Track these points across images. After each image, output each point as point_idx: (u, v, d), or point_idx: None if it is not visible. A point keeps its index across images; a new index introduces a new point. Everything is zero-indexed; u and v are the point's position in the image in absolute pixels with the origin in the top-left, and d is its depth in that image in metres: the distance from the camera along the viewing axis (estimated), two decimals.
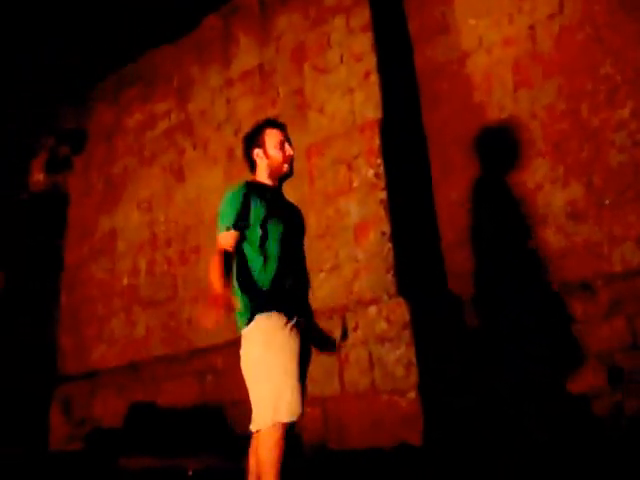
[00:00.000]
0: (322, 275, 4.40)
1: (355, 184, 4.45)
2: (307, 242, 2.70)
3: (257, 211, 2.36)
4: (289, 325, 2.27)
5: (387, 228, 4.23)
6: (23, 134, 8.38)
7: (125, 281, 6.85)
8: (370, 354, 3.95)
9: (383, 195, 4.31)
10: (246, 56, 6.09)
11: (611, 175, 3.91)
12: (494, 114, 4.50)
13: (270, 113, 5.62)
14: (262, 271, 2.34)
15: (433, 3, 4.96)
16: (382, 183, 4.33)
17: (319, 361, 3.99)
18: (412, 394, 3.72)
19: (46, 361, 7.39)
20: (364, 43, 4.69)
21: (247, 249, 2.36)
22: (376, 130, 4.44)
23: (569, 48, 4.24)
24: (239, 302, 2.34)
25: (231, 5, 6.49)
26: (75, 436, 6.46)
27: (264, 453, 2.15)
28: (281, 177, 2.57)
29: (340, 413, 3.98)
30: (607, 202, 3.90)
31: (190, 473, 4.32)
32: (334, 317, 4.13)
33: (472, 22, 4.71)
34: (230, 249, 2.32)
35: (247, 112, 5.94)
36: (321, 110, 4.83)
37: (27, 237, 7.94)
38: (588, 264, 3.89)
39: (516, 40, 4.48)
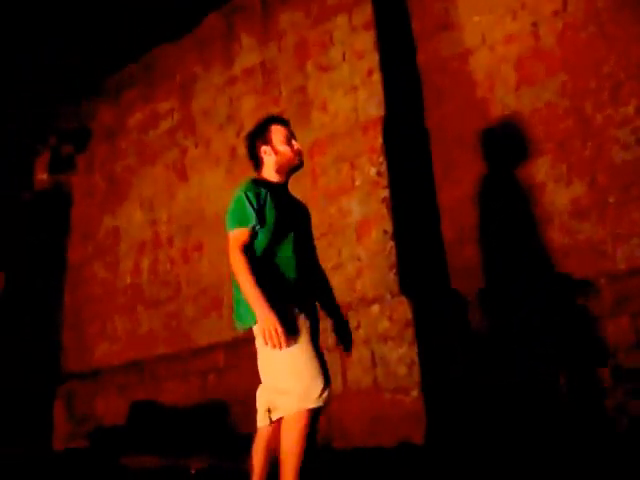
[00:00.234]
0: None
1: (357, 182, 4.44)
2: None
3: (268, 208, 2.36)
4: (301, 315, 2.28)
5: (389, 226, 4.21)
6: (26, 134, 8.39)
7: (128, 280, 6.86)
8: (373, 353, 3.95)
9: (385, 193, 4.30)
10: (248, 54, 6.08)
11: (615, 173, 3.89)
12: (497, 111, 4.48)
13: (273, 111, 5.58)
14: (273, 268, 2.33)
15: (436, 0, 4.94)
16: (384, 181, 4.32)
17: None
18: (415, 392, 3.71)
19: (49, 360, 7.40)
20: (366, 41, 4.67)
21: (257, 246, 2.34)
22: (379, 128, 4.43)
23: (573, 45, 4.21)
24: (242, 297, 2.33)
25: (233, 3, 6.48)
26: (78, 434, 6.47)
27: (289, 440, 2.16)
28: (291, 171, 2.56)
29: (343, 411, 3.97)
30: (611, 200, 3.88)
31: (193, 472, 4.32)
32: None
33: (475, 19, 4.69)
34: (246, 250, 2.29)
35: (249, 111, 5.93)
36: (324, 108, 4.81)
37: (30, 236, 7.95)
38: (592, 262, 3.87)
39: (519, 37, 4.46)
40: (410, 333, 3.83)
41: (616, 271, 3.74)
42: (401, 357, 3.81)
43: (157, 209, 6.74)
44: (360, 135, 4.51)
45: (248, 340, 5.38)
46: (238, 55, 6.21)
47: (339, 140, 4.60)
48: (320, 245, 4.49)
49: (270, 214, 2.35)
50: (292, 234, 2.41)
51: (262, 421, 2.32)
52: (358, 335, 3.99)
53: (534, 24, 4.41)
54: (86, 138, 8.00)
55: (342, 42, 4.81)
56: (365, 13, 4.73)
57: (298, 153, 2.55)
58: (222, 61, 6.38)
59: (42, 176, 8.28)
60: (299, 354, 2.21)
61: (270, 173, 2.55)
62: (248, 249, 2.30)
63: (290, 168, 2.55)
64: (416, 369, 3.75)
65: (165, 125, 6.93)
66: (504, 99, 4.46)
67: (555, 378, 3.74)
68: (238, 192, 2.42)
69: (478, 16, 4.70)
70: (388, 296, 4.03)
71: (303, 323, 2.27)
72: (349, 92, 4.68)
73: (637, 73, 3.91)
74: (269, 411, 2.26)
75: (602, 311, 3.65)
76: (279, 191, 2.50)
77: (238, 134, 5.97)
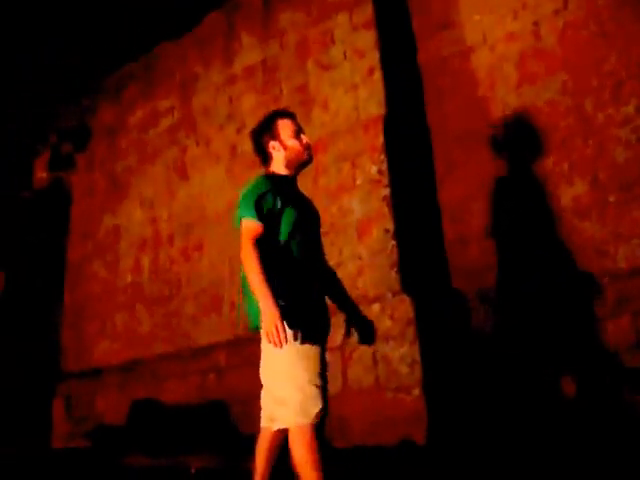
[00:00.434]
0: None
1: (359, 181, 4.44)
2: None
3: (279, 204, 2.30)
4: (312, 320, 2.22)
5: (391, 225, 4.21)
6: (26, 132, 8.38)
7: (128, 278, 6.84)
8: (374, 352, 3.94)
9: (386, 192, 4.30)
10: (249, 53, 6.06)
11: (616, 172, 3.88)
12: (498, 110, 4.48)
13: (273, 109, 5.60)
14: (284, 265, 2.27)
15: None
16: (385, 180, 4.32)
17: None
18: (416, 391, 3.71)
19: (49, 359, 7.39)
20: (367, 39, 4.67)
21: (268, 243, 2.26)
22: (380, 127, 4.42)
23: (574, 44, 4.21)
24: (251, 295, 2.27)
25: (233, 2, 6.47)
26: (77, 433, 6.46)
27: (300, 454, 2.12)
28: (300, 166, 2.51)
29: (344, 410, 3.97)
30: (612, 199, 3.88)
31: (193, 471, 4.32)
32: (337, 314, 4.11)
33: (476, 18, 4.69)
34: (258, 242, 2.22)
35: (250, 109, 5.92)
36: (325, 106, 4.81)
37: (30, 235, 7.95)
38: (593, 261, 3.86)
39: (520, 36, 4.46)
40: (411, 332, 3.82)
41: (617, 270, 3.73)
42: (402, 356, 3.81)
43: (157, 207, 6.73)
44: (361, 134, 4.51)
45: (249, 340, 5.40)
46: (239, 53, 6.20)
47: (340, 139, 4.59)
48: None
49: (282, 208, 2.30)
50: (303, 229, 2.35)
51: (265, 422, 2.30)
52: None
53: (535, 23, 4.41)
54: (86, 136, 7.99)
55: (343, 41, 4.81)
56: (366, 12, 4.72)
57: (307, 147, 2.51)
58: (222, 59, 6.37)
59: (42, 174, 8.27)
60: (303, 368, 2.14)
61: (279, 168, 2.49)
62: (260, 243, 2.22)
63: (299, 163, 2.50)
64: (417, 368, 3.74)
65: (165, 123, 6.92)
66: (505, 98, 4.46)
67: (556, 377, 3.74)
68: (250, 185, 2.37)
69: (479, 15, 4.70)
70: (389, 295, 4.02)
71: (313, 331, 2.20)
72: (350, 90, 4.67)
73: (638, 72, 3.91)
74: (272, 419, 2.24)
75: (604, 310, 3.64)
76: (290, 185, 2.46)
77: (238, 132, 5.96)
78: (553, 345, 3.79)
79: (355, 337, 2.56)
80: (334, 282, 2.61)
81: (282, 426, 2.18)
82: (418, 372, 3.74)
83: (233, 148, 6.02)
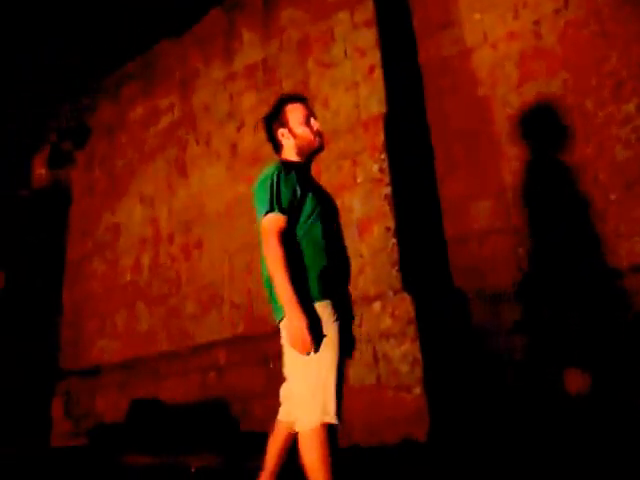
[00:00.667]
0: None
1: (359, 179, 4.44)
2: None
3: (298, 192, 2.17)
4: (336, 316, 2.06)
5: (391, 223, 4.21)
6: (25, 131, 8.36)
7: (128, 276, 6.84)
8: (375, 350, 3.94)
9: (387, 190, 4.30)
10: (249, 51, 6.06)
11: (616, 171, 3.89)
12: (499, 109, 4.48)
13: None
14: (307, 256, 2.12)
15: None
16: (386, 178, 4.32)
17: None
18: (417, 390, 3.71)
19: (48, 357, 7.38)
20: (368, 38, 4.67)
21: (289, 233, 2.12)
22: (380, 125, 4.42)
23: (574, 43, 4.21)
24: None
25: (234, 0, 6.46)
26: (77, 432, 6.46)
27: (312, 458, 2.00)
28: (312, 153, 2.38)
29: (345, 409, 3.94)
30: (612, 198, 3.88)
31: (193, 470, 4.31)
32: None
33: (477, 16, 4.69)
34: (283, 235, 2.08)
35: (250, 107, 5.92)
36: (325, 105, 4.81)
37: (29, 234, 7.93)
38: (594, 260, 3.87)
39: (521, 35, 4.46)
40: (412, 330, 3.82)
41: (619, 268, 3.74)
42: (403, 354, 3.81)
43: (157, 205, 6.72)
44: (362, 132, 4.51)
45: (248, 338, 5.40)
46: (239, 51, 6.19)
47: (341, 137, 4.59)
48: None
49: (302, 196, 2.17)
50: (324, 218, 2.22)
51: (282, 416, 2.26)
52: (360, 332, 3.98)
53: (536, 22, 4.41)
54: (85, 134, 7.97)
55: (344, 39, 4.81)
56: (367, 10, 4.72)
57: (318, 134, 2.37)
58: (223, 57, 6.36)
59: (41, 173, 8.24)
60: (320, 369, 2.01)
61: (291, 156, 2.37)
62: (285, 237, 2.08)
63: (310, 151, 2.38)
64: (418, 366, 3.75)
65: (165, 121, 6.91)
66: (506, 97, 4.46)
67: (557, 376, 3.75)
68: (265, 174, 2.22)
69: (479, 14, 4.70)
70: (390, 293, 4.02)
71: (335, 329, 2.05)
72: (351, 89, 4.67)
73: (638, 71, 3.91)
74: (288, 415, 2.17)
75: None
76: (305, 173, 2.33)
77: (239, 130, 5.96)
78: (557, 342, 3.79)
79: (355, 334, 2.40)
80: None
81: (299, 429, 2.06)
82: (419, 370, 3.74)
83: (233, 146, 6.01)
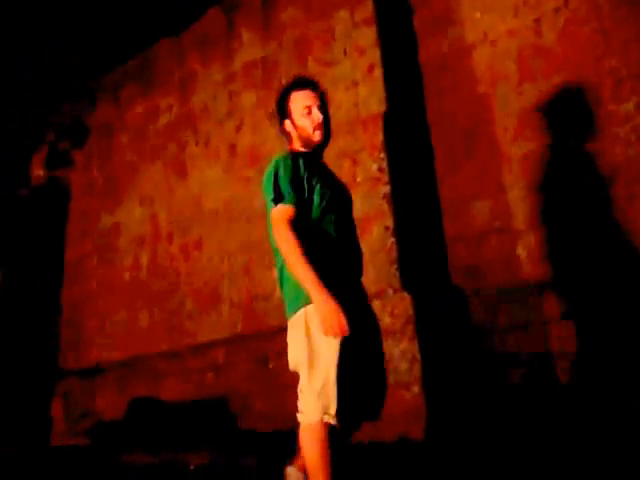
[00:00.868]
0: None
1: (359, 178, 4.43)
2: None
3: (306, 180, 2.11)
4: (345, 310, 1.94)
5: (390, 222, 4.21)
6: (23, 129, 8.35)
7: (127, 276, 6.84)
8: None
9: (387, 189, 4.30)
10: (249, 50, 6.05)
11: (617, 169, 3.88)
12: (499, 107, 4.48)
13: (273, 107, 5.57)
14: (316, 250, 2.02)
15: None
16: (386, 177, 4.32)
17: None
18: (416, 388, 3.71)
19: (48, 357, 7.38)
20: (368, 36, 4.67)
21: (299, 223, 2.05)
22: (380, 124, 4.42)
23: (574, 42, 4.21)
24: (288, 286, 2.11)
25: None
26: (77, 431, 6.45)
27: (311, 453, 1.97)
28: (315, 147, 2.25)
29: None
30: (612, 197, 3.88)
31: (192, 468, 4.31)
32: None
33: (477, 15, 4.69)
34: (294, 225, 2.02)
35: (249, 106, 5.91)
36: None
37: (28, 233, 7.92)
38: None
39: (521, 33, 4.46)
40: (411, 329, 3.82)
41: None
42: (402, 353, 3.81)
43: (156, 205, 6.72)
44: (361, 131, 4.51)
45: (247, 337, 5.40)
46: (238, 50, 6.18)
47: (340, 136, 4.58)
48: None
49: (310, 185, 2.11)
50: (336, 207, 2.15)
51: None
52: None
53: (536, 20, 4.40)
54: (84, 134, 7.97)
55: (343, 37, 4.80)
56: (367, 9, 4.72)
57: (318, 127, 2.23)
58: (222, 57, 6.36)
59: (39, 172, 8.24)
60: (325, 362, 1.96)
61: (298, 147, 2.28)
62: (296, 226, 2.01)
63: (312, 145, 2.25)
64: (417, 365, 3.75)
65: (164, 120, 6.90)
66: (506, 95, 4.45)
67: (556, 374, 3.74)
68: (271, 165, 2.16)
69: (479, 12, 4.70)
70: (390, 292, 4.02)
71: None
72: (350, 88, 4.67)
73: (638, 70, 3.91)
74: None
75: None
76: (314, 161, 2.23)
77: (238, 130, 5.96)
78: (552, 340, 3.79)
79: None
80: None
81: (301, 420, 2.02)
82: (417, 369, 3.74)
83: (232, 146, 6.01)
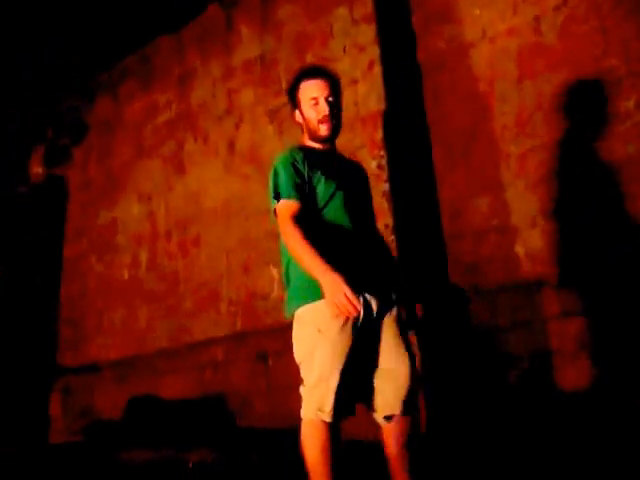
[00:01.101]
0: None
1: None
2: None
3: (307, 175, 2.10)
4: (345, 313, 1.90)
5: (390, 220, 4.20)
6: (21, 127, 8.33)
7: (125, 273, 6.83)
8: None
9: (386, 187, 4.29)
10: (248, 47, 6.03)
11: (616, 167, 3.88)
12: (498, 105, 4.47)
13: (272, 104, 5.58)
14: (323, 242, 1.99)
15: None
16: (385, 175, 4.31)
17: None
18: None
19: (46, 354, 7.37)
20: (367, 34, 4.65)
21: (304, 219, 2.05)
22: (379, 121, 4.41)
23: (574, 39, 4.20)
24: (292, 283, 2.10)
25: None
26: (75, 428, 6.45)
27: (307, 450, 1.98)
28: (323, 141, 2.22)
29: None
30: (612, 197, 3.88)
31: (191, 465, 4.31)
32: None
33: (476, 12, 4.67)
34: (299, 221, 2.01)
35: (248, 103, 5.90)
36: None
37: (26, 230, 7.91)
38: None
39: (521, 31, 4.44)
40: None
41: None
42: None
43: (155, 202, 6.71)
44: (360, 128, 4.50)
45: (246, 335, 5.40)
46: (237, 47, 6.17)
47: (339, 133, 4.57)
48: None
49: (312, 179, 2.10)
50: (341, 200, 2.12)
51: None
52: None
53: (535, 18, 4.39)
54: (83, 131, 7.95)
55: (343, 35, 4.79)
56: (366, 6, 4.70)
57: (322, 121, 2.18)
58: (221, 53, 6.34)
59: (38, 169, 8.22)
60: (324, 356, 1.96)
61: (306, 140, 2.27)
62: (300, 220, 2.00)
63: (318, 139, 2.23)
64: (416, 361, 3.73)
65: (163, 117, 6.88)
66: (505, 93, 4.44)
67: (555, 372, 3.75)
68: (274, 163, 2.16)
69: (479, 9, 4.68)
70: None
71: (336, 327, 1.95)
72: (349, 85, 4.65)
73: (638, 68, 3.90)
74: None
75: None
76: (319, 155, 2.20)
77: (237, 127, 5.95)
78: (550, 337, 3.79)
79: None
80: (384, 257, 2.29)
81: (302, 415, 2.02)
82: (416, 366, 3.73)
83: (231, 143, 6.00)
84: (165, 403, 5.69)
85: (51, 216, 7.99)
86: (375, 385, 2.12)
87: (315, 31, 5.03)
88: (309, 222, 2.05)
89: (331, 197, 2.12)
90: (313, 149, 2.24)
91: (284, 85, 5.51)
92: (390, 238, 4.14)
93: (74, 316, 7.36)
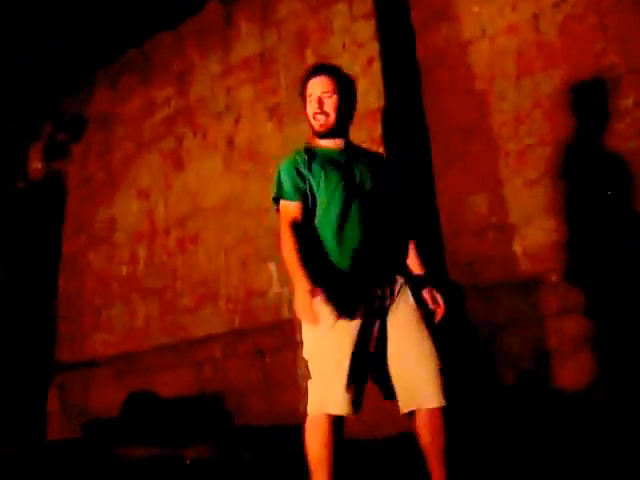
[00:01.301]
0: None
1: None
2: None
3: (305, 177, 2.15)
4: (334, 309, 1.99)
5: None
6: (20, 122, 8.31)
7: (124, 270, 6.82)
8: None
9: None
10: (247, 43, 6.02)
11: (615, 165, 3.87)
12: (496, 103, 4.46)
13: (271, 101, 5.57)
14: (317, 244, 2.10)
15: None
16: None
17: None
18: None
19: (44, 351, 7.36)
20: (367, 30, 4.64)
21: (306, 220, 2.13)
22: (378, 118, 4.40)
23: (573, 37, 4.19)
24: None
25: None
26: (73, 425, 6.45)
27: (309, 446, 2.00)
28: (323, 136, 2.26)
29: None
30: (610, 192, 3.87)
31: (188, 462, 4.31)
32: None
33: (475, 9, 4.66)
34: (296, 224, 2.09)
35: (247, 100, 5.89)
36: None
37: (24, 226, 7.90)
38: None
39: (520, 28, 4.43)
40: None
41: None
42: None
43: (153, 199, 6.70)
44: (359, 125, 4.48)
45: (244, 332, 5.38)
46: (237, 44, 6.15)
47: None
48: None
49: (313, 179, 2.15)
50: (340, 199, 2.12)
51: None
52: None
53: (535, 15, 4.38)
54: (82, 126, 7.93)
55: (342, 31, 4.78)
56: (366, 2, 4.69)
57: (316, 118, 2.24)
58: (220, 50, 6.32)
59: (37, 165, 8.21)
60: (327, 352, 2.01)
61: (312, 136, 2.32)
62: (298, 224, 2.09)
63: (318, 135, 2.27)
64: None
65: (162, 113, 6.87)
66: (504, 90, 4.44)
67: (551, 369, 3.75)
68: (279, 163, 2.25)
69: (478, 7, 4.67)
70: None
71: (342, 319, 1.99)
72: None
73: (637, 65, 3.89)
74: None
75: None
76: (325, 154, 2.23)
77: (236, 124, 5.93)
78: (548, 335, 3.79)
79: None
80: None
81: (308, 411, 2.05)
82: None
83: (230, 140, 5.98)
84: (163, 400, 5.68)
85: (51, 212, 7.98)
86: (392, 379, 2.15)
87: (315, 27, 5.01)
88: (310, 223, 2.13)
89: (333, 196, 2.13)
90: (319, 148, 2.27)
91: (283, 82, 5.50)
92: None
93: (72, 312, 7.35)
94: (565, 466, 2.86)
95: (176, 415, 5.49)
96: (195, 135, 6.40)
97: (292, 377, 4.43)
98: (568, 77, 4.14)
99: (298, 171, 2.16)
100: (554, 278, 3.91)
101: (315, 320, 1.97)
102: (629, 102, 3.88)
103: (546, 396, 3.73)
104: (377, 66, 4.54)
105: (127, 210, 6.99)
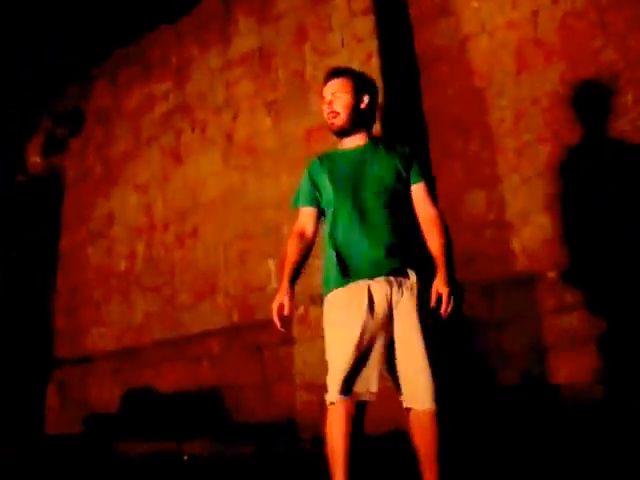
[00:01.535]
0: (318, 262, 4.37)
1: None
2: None
3: (316, 183, 2.33)
4: (353, 302, 2.08)
5: None
6: (19, 116, 8.29)
7: (122, 265, 6.82)
8: None
9: None
10: (246, 38, 6.00)
11: (614, 162, 3.87)
12: (495, 99, 4.45)
13: (269, 96, 5.56)
14: (330, 243, 2.23)
15: None
16: None
17: (314, 347, 3.98)
18: None
19: (43, 346, 7.37)
20: (366, 26, 4.62)
21: (315, 225, 2.36)
22: (376, 114, 4.38)
23: (572, 33, 4.18)
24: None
25: None
26: (71, 420, 6.46)
27: (327, 436, 2.08)
28: (340, 134, 2.35)
29: None
30: (608, 189, 3.87)
31: (185, 457, 4.33)
32: None
33: (474, 5, 4.65)
34: (300, 229, 2.32)
35: (246, 95, 5.88)
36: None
37: (23, 221, 7.89)
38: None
39: (519, 25, 4.42)
40: None
41: None
42: None
43: (152, 193, 6.69)
44: None
45: (242, 327, 5.39)
46: (235, 39, 6.13)
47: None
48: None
49: (320, 186, 2.31)
50: (349, 201, 2.19)
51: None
52: None
53: (534, 12, 4.37)
54: (80, 121, 7.91)
55: (341, 27, 4.75)
56: None
57: (328, 117, 2.34)
58: (219, 44, 6.31)
59: (36, 159, 8.19)
60: (330, 342, 2.13)
61: (338, 140, 2.44)
62: (302, 229, 2.31)
63: (335, 134, 2.38)
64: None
65: (161, 108, 6.85)
66: (502, 86, 4.43)
67: (549, 366, 3.75)
68: None
69: (477, 2, 4.65)
70: None
71: (349, 313, 2.08)
72: None
73: (636, 62, 3.89)
74: None
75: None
76: (339, 156, 2.35)
77: (234, 118, 5.92)
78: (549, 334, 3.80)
79: None
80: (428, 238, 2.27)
81: (327, 399, 2.15)
82: None
83: (229, 134, 5.98)
84: (161, 395, 5.69)
85: (48, 206, 7.97)
86: (398, 374, 2.17)
87: (313, 23, 4.99)
88: (318, 225, 2.34)
89: (339, 198, 2.22)
90: (338, 150, 2.38)
91: (282, 77, 5.49)
92: None
93: (71, 307, 7.35)
94: (564, 465, 2.86)
95: (174, 410, 5.50)
96: (194, 130, 6.39)
97: (290, 372, 4.44)
98: (567, 74, 4.14)
99: (311, 178, 2.33)
100: (552, 275, 3.91)
101: (276, 318, 2.11)
102: (628, 99, 3.88)
103: (544, 393, 3.73)
104: (376, 62, 4.52)
105: (125, 205, 6.99)
